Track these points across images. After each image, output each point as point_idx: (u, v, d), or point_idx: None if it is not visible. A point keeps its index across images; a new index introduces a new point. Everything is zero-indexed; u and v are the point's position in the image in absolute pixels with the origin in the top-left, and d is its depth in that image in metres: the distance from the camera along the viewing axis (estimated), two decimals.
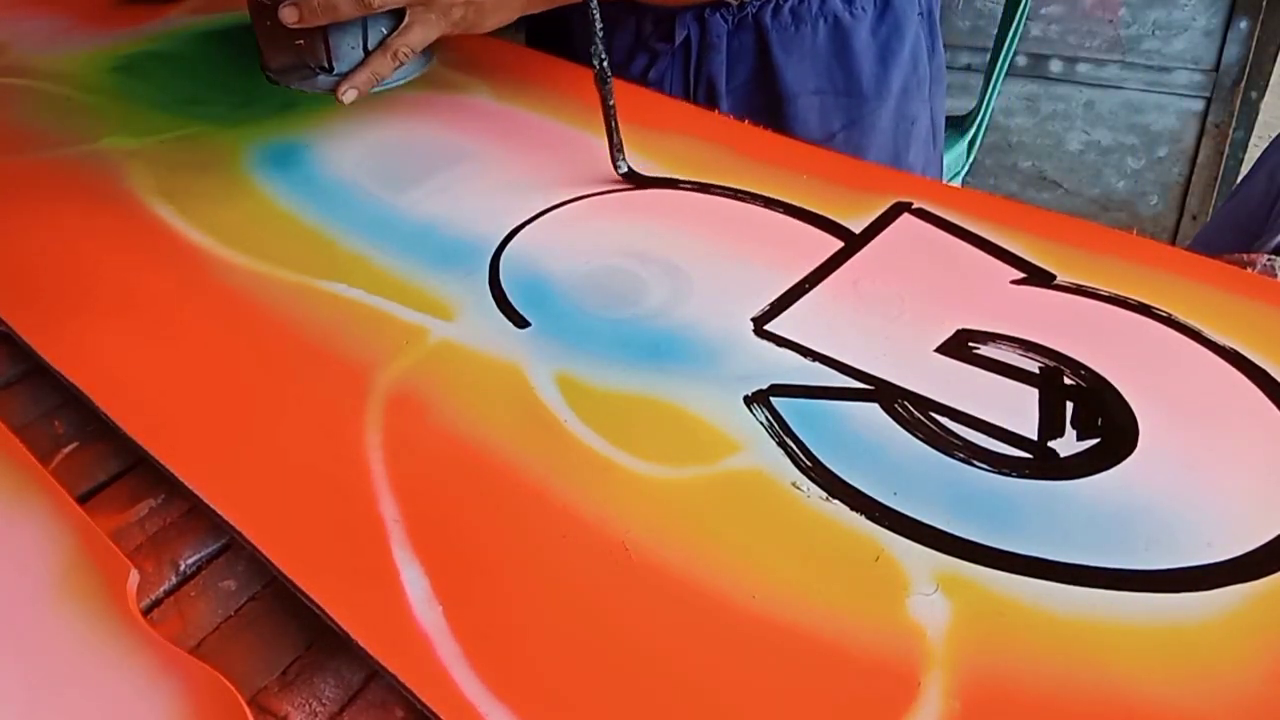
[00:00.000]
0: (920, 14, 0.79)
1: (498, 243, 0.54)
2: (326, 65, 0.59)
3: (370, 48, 0.59)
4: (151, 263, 0.54)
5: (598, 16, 0.53)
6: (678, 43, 0.75)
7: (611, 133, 0.56)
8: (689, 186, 0.58)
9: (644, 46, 0.76)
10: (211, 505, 0.39)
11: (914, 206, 0.55)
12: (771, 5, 0.73)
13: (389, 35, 0.59)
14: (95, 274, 0.53)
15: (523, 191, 0.58)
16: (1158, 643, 0.32)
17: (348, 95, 0.59)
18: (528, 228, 0.56)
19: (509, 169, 0.61)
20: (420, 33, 0.60)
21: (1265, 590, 0.34)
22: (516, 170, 0.61)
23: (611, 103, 0.56)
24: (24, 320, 0.50)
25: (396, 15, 0.59)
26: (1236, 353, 0.44)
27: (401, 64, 0.60)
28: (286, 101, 0.71)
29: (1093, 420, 0.41)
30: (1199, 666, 0.32)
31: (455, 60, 0.77)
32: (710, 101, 0.77)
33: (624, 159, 0.57)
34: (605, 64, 0.54)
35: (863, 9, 0.75)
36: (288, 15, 0.56)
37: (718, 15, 0.73)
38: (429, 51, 0.64)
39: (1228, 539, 0.36)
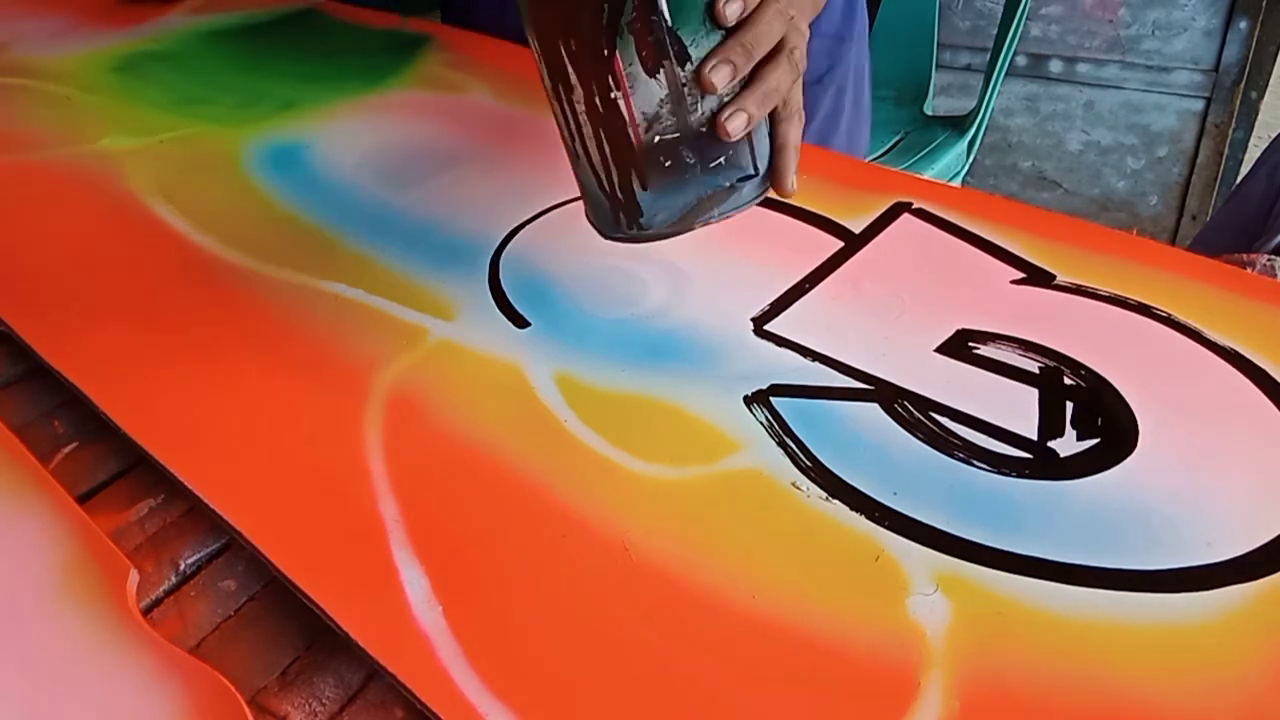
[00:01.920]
0: None
1: (498, 243, 0.54)
2: (753, 169, 0.44)
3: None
4: (151, 263, 0.54)
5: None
6: None
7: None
8: None
9: None
10: (211, 505, 0.39)
11: (914, 206, 0.55)
12: None
13: (778, 109, 0.45)
14: (95, 274, 0.53)
15: (523, 191, 0.58)
16: (1158, 643, 0.32)
17: (794, 183, 0.46)
18: (528, 228, 0.56)
19: (509, 169, 0.61)
20: (799, 88, 0.47)
21: (1265, 590, 0.34)
22: (516, 170, 0.61)
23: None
24: (24, 320, 0.50)
25: None
26: (1236, 353, 0.44)
27: (803, 119, 0.47)
28: (286, 101, 0.71)
29: (1093, 420, 0.41)
30: (1199, 666, 0.32)
31: (455, 60, 0.77)
32: None
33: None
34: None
35: None
36: (736, 124, 0.42)
37: None
38: None
39: (1228, 539, 0.36)
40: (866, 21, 0.85)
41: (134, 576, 0.36)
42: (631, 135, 0.43)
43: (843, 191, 0.57)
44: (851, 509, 0.37)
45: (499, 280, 0.51)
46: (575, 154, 0.46)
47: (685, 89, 0.42)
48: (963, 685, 0.31)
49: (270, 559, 0.37)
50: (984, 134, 1.50)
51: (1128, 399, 0.42)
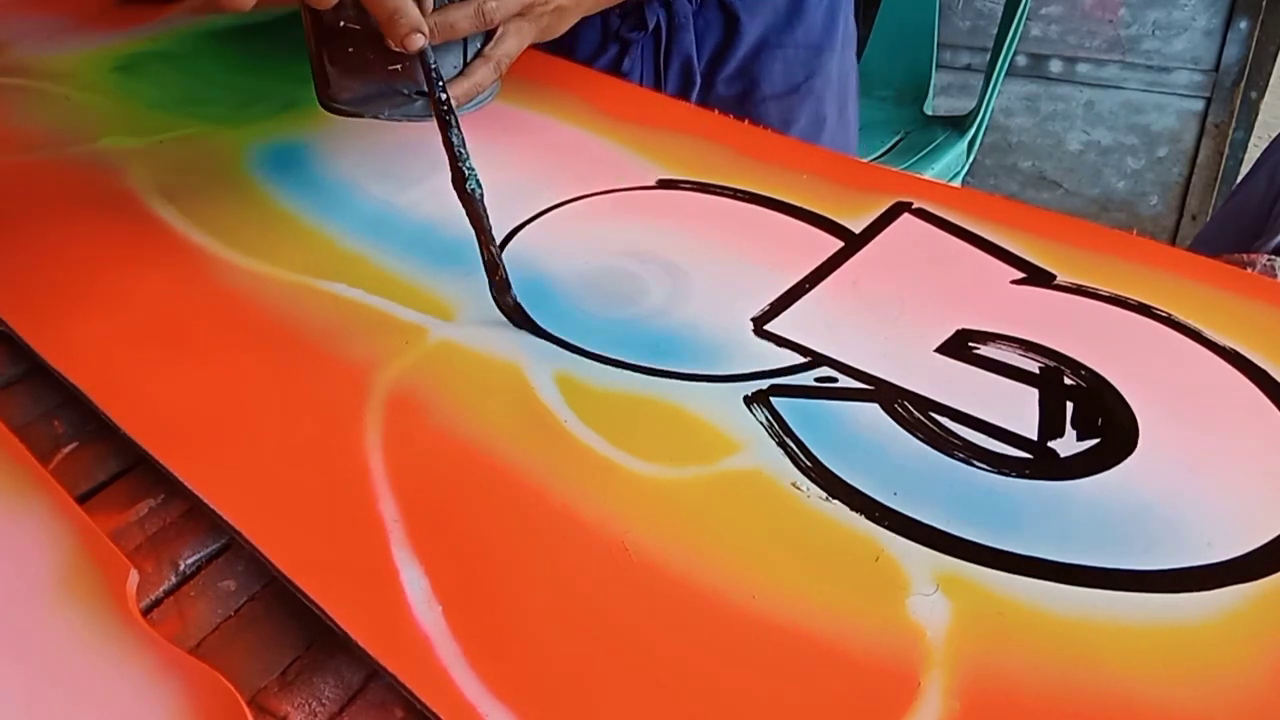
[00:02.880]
0: None
1: (498, 243, 0.54)
2: (427, 88, 0.52)
3: (468, 62, 0.57)
4: (151, 263, 0.54)
5: (453, 126, 0.48)
6: (650, 29, 0.77)
7: (487, 251, 0.48)
8: (689, 186, 0.58)
9: (614, 37, 0.78)
10: (211, 505, 0.39)
11: (914, 206, 0.55)
12: None
13: (483, 48, 0.57)
14: (95, 274, 0.53)
15: (523, 191, 0.58)
16: (1158, 643, 0.32)
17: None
18: (528, 228, 0.56)
19: (509, 169, 0.61)
20: (515, 41, 0.59)
21: (1265, 590, 0.34)
22: (516, 170, 0.61)
23: (486, 219, 0.48)
24: (24, 320, 0.50)
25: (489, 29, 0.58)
26: (1236, 353, 0.44)
27: (500, 75, 0.58)
28: (286, 101, 0.71)
29: (1093, 420, 0.41)
30: (1199, 667, 0.32)
31: None
32: (684, 80, 0.80)
33: (509, 286, 0.48)
34: (472, 175, 0.48)
35: None
36: (414, 42, 0.50)
37: None
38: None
39: (1228, 539, 0.36)
40: (853, 31, 0.87)
41: (134, 576, 0.36)
42: (318, 11, 0.52)
43: (843, 191, 0.57)
44: (851, 509, 0.37)
45: None
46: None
47: None
48: (963, 685, 0.31)
49: (270, 559, 0.37)
50: (984, 134, 1.50)
51: (1128, 399, 0.42)
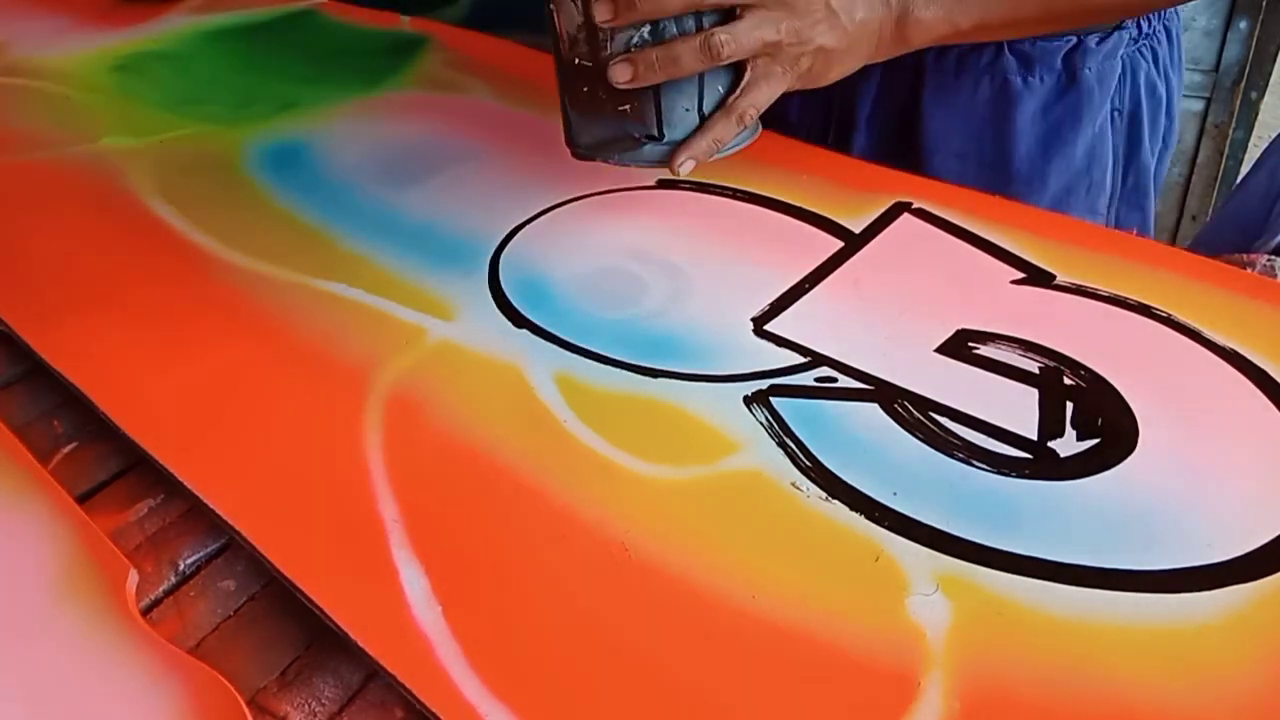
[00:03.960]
0: (1117, 111, 0.67)
1: (498, 243, 0.54)
2: (657, 133, 0.49)
3: (706, 111, 0.50)
4: (151, 263, 0.54)
5: None
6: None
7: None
8: (689, 186, 0.58)
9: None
10: (211, 505, 0.39)
11: (914, 206, 0.55)
12: (939, 46, 0.62)
13: (727, 95, 0.50)
14: (95, 274, 0.53)
15: (523, 191, 0.58)
16: (1158, 643, 0.32)
17: (685, 167, 0.50)
18: (528, 228, 0.56)
19: (509, 169, 0.61)
20: (766, 90, 0.50)
21: (1265, 591, 0.34)
22: (516, 170, 0.61)
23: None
24: (24, 320, 0.50)
25: (734, 73, 0.50)
26: (1236, 353, 0.44)
27: (745, 127, 0.51)
28: (286, 101, 0.71)
29: (1093, 420, 0.41)
30: (1199, 667, 0.32)
31: (455, 60, 0.77)
32: (845, 129, 0.70)
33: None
34: None
35: (1040, 79, 0.64)
36: (620, 73, 0.47)
37: None
38: (757, 118, 0.53)
39: (1228, 539, 0.36)
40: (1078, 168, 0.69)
41: (133, 576, 0.36)
42: (560, 50, 0.49)
43: (843, 191, 0.57)
44: (851, 509, 0.37)
45: (499, 280, 0.51)
46: None
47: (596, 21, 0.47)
48: (963, 685, 0.31)
49: (270, 559, 0.37)
50: None
51: (1128, 399, 0.42)
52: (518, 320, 0.48)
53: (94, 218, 0.58)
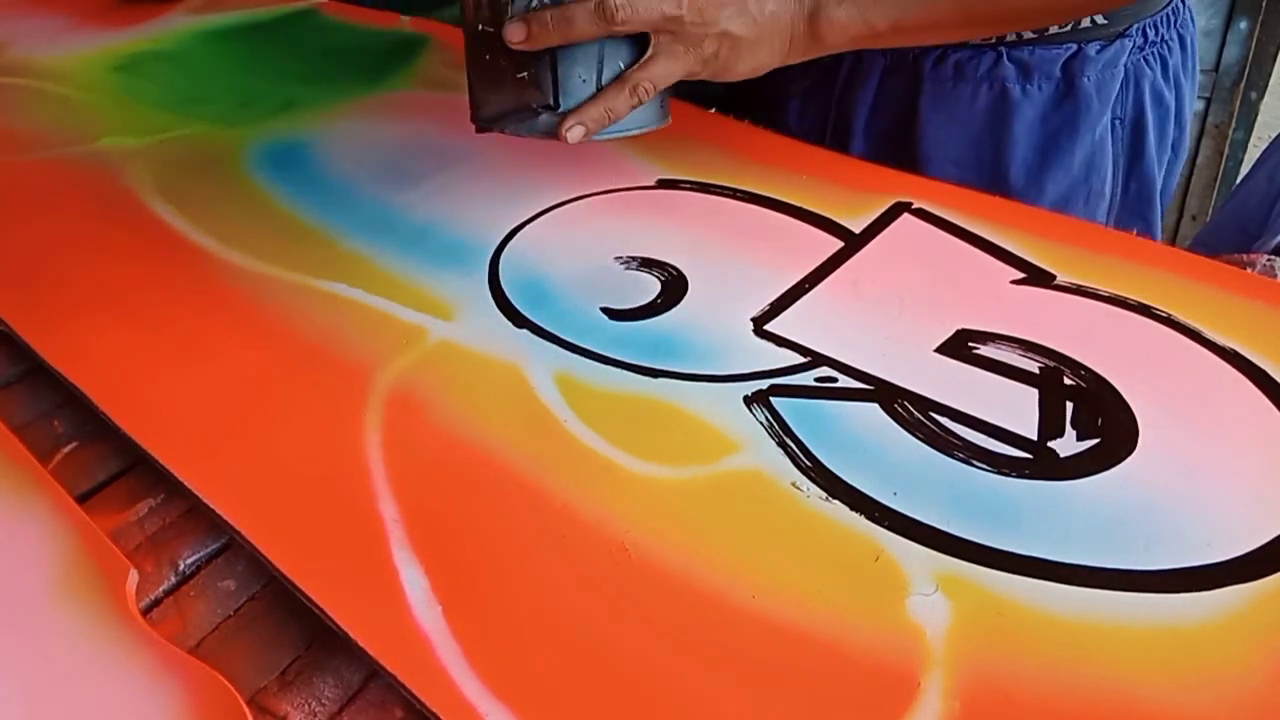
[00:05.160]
0: (1119, 119, 0.66)
1: (498, 243, 0.54)
2: (552, 101, 0.49)
3: (604, 83, 0.50)
4: (151, 262, 0.54)
5: None
6: (824, 63, 0.65)
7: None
8: (689, 186, 0.58)
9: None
10: (211, 505, 0.39)
11: (914, 206, 0.55)
12: (937, 54, 0.64)
13: (627, 68, 0.50)
14: (95, 274, 0.53)
15: (523, 191, 0.58)
16: (1157, 643, 0.32)
17: (573, 132, 0.50)
18: (528, 228, 0.56)
19: (509, 169, 0.61)
20: (665, 66, 0.50)
21: (1265, 591, 0.34)
22: (516, 170, 0.61)
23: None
24: (24, 320, 0.50)
25: (638, 47, 0.50)
26: (1236, 353, 0.44)
27: (640, 102, 0.50)
28: (286, 101, 0.71)
29: (1093, 420, 0.41)
30: (1199, 667, 0.32)
31: (455, 60, 0.77)
32: (842, 136, 0.70)
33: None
34: None
35: (1038, 87, 0.63)
36: (515, 33, 0.47)
37: (878, 49, 0.65)
38: (664, 104, 0.54)
39: (1228, 539, 0.36)
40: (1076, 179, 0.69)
41: (133, 576, 0.36)
42: (466, 18, 0.49)
43: (843, 191, 0.57)
44: (851, 509, 0.37)
45: (499, 280, 0.51)
46: None
47: None
48: (963, 685, 0.31)
49: (270, 559, 0.37)
50: None
51: (1128, 399, 0.42)
52: (518, 320, 0.48)
53: (94, 218, 0.58)
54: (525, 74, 0.49)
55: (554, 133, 0.50)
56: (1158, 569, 0.35)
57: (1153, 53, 0.65)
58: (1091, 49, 0.63)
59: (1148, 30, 0.64)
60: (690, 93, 0.61)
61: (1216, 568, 0.35)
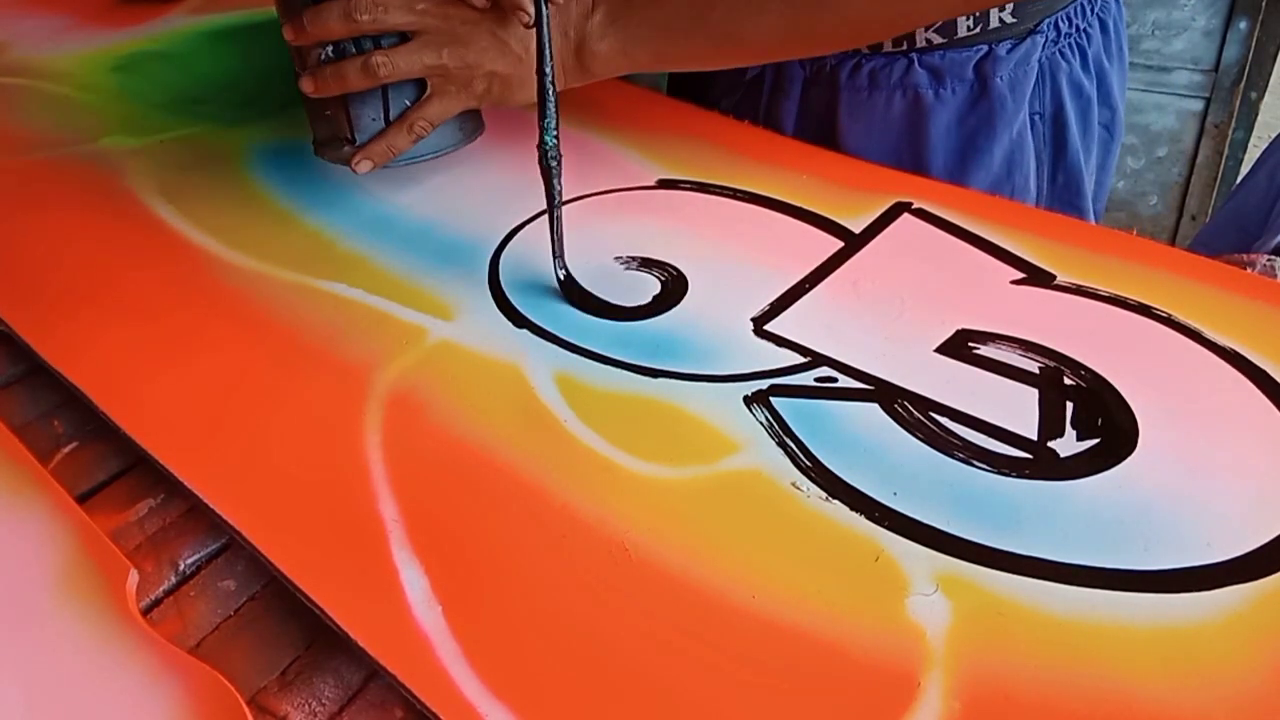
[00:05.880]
0: (1038, 114, 0.67)
1: (498, 243, 0.54)
2: (350, 137, 0.55)
3: (392, 119, 0.55)
4: (151, 263, 0.54)
5: (551, 99, 0.48)
6: (748, 77, 0.70)
7: (554, 232, 0.50)
8: (689, 186, 0.58)
9: (723, 74, 0.71)
10: (211, 505, 0.39)
11: (914, 206, 0.55)
12: (852, 63, 0.65)
13: (411, 105, 0.55)
14: (95, 274, 0.53)
15: (523, 191, 0.58)
16: (1157, 643, 0.32)
17: (361, 166, 0.55)
18: (528, 227, 0.56)
19: (509, 169, 0.61)
20: (439, 106, 0.55)
21: (1265, 590, 0.34)
22: (517, 170, 0.61)
23: (558, 198, 0.49)
24: (24, 320, 0.50)
25: (420, 86, 0.55)
26: (1236, 353, 0.44)
27: (420, 137, 0.56)
28: (286, 101, 0.71)
29: (1093, 420, 0.41)
30: (1198, 667, 0.32)
31: None
32: None
33: (563, 263, 0.51)
34: (554, 154, 0.48)
35: (951, 90, 0.64)
36: (305, 86, 0.54)
37: (796, 62, 0.67)
38: (471, 126, 0.59)
39: (1228, 539, 0.36)
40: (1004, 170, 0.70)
41: (134, 576, 0.36)
42: (293, 56, 0.56)
43: (843, 191, 0.57)
44: (851, 509, 0.37)
45: (499, 280, 0.51)
46: None
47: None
48: (963, 685, 0.31)
49: (270, 559, 0.37)
50: None
51: (1128, 399, 0.42)
52: (518, 320, 0.48)
53: (94, 218, 0.58)
54: (329, 112, 0.56)
55: (347, 162, 0.56)
56: (1158, 569, 0.35)
57: (1068, 44, 0.66)
58: (1002, 49, 0.63)
59: (1060, 24, 0.65)
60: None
61: (1216, 568, 0.35)
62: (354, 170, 0.55)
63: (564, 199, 0.50)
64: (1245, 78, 1.69)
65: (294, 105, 0.70)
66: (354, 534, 0.37)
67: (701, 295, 0.50)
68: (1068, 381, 0.43)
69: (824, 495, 0.38)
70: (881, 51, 0.64)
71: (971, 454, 0.40)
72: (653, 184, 0.59)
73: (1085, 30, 0.66)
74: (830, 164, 0.60)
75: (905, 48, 0.64)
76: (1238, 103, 1.71)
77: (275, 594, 0.37)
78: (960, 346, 0.45)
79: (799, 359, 0.45)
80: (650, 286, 0.50)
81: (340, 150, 0.56)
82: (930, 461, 0.39)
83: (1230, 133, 1.74)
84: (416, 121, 0.55)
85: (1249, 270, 0.55)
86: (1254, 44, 1.66)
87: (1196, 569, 0.35)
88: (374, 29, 0.52)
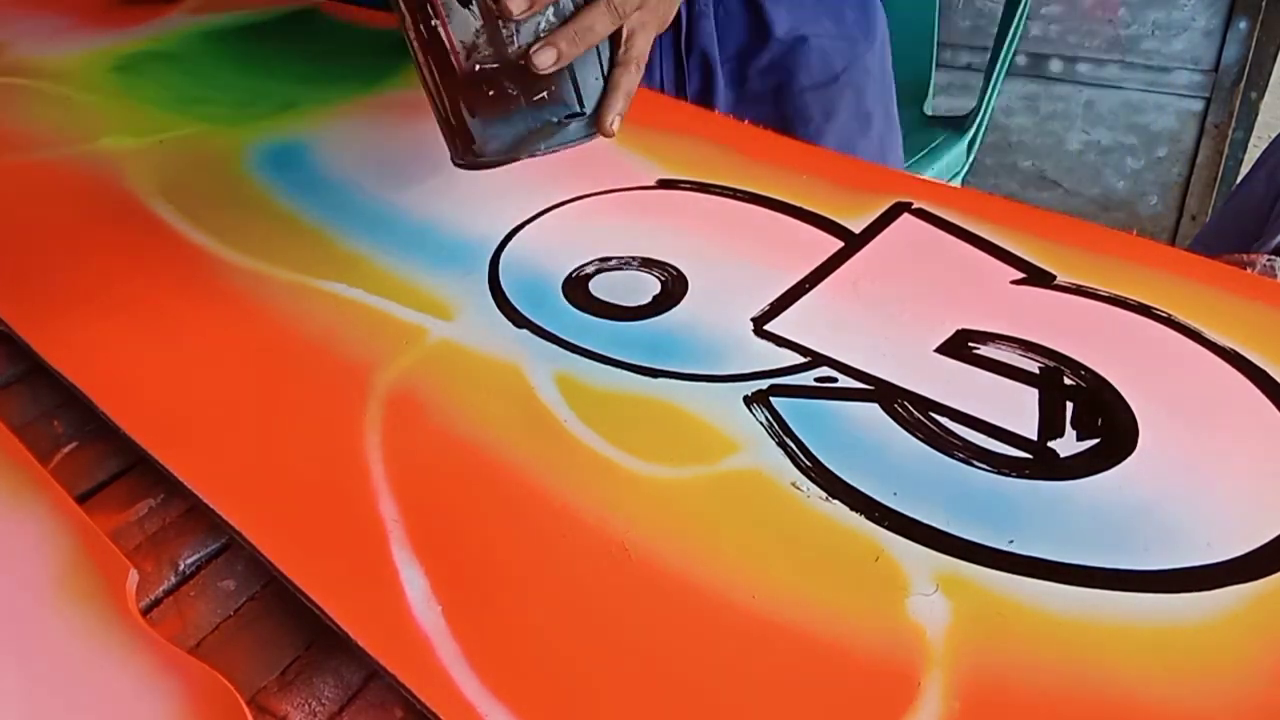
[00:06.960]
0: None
1: (498, 243, 0.54)
2: (579, 107, 0.50)
3: (606, 72, 0.52)
4: (151, 263, 0.54)
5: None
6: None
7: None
8: (689, 186, 0.58)
9: None
10: (211, 505, 0.39)
11: (914, 206, 0.55)
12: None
13: (613, 54, 0.52)
14: (95, 274, 0.53)
15: (523, 191, 0.58)
16: (1158, 643, 0.32)
17: (615, 124, 0.52)
18: (528, 228, 0.56)
19: (508, 168, 0.61)
20: (644, 38, 0.54)
21: (1265, 590, 0.34)
22: (516, 170, 0.61)
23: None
24: (24, 320, 0.50)
25: (614, 34, 0.53)
26: (1236, 353, 0.44)
27: (641, 75, 0.53)
28: (286, 101, 0.71)
29: (1093, 420, 0.41)
30: (1199, 667, 0.32)
31: None
32: (706, 73, 0.77)
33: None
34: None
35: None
36: (545, 58, 0.48)
37: None
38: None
39: (1227, 539, 0.36)
40: (886, 32, 0.83)
41: (133, 576, 0.36)
42: (454, 62, 0.48)
43: (843, 191, 0.57)
44: (851, 509, 0.37)
45: (499, 280, 0.51)
46: (421, 81, 0.52)
47: (500, 21, 0.47)
48: (963, 685, 0.31)
49: (270, 559, 0.37)
50: (984, 134, 1.50)
51: (1128, 399, 0.42)
52: (518, 320, 0.48)
53: (94, 218, 0.58)
54: (545, 94, 0.49)
55: (587, 135, 0.52)
56: (1158, 569, 0.35)
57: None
58: None
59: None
60: None
61: (1216, 568, 0.35)
62: (608, 133, 0.51)
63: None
64: (1245, 78, 1.69)
65: (294, 105, 0.70)
66: (354, 534, 0.37)
67: (701, 295, 0.50)
68: (1068, 381, 0.43)
69: (824, 495, 0.38)
70: None
71: (971, 454, 0.40)
72: (653, 184, 0.59)
73: None
74: (830, 164, 0.60)
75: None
76: (1238, 103, 1.71)
77: (275, 594, 0.37)
78: (960, 346, 0.45)
79: (799, 359, 0.45)
80: (650, 286, 0.50)
81: (563, 130, 0.51)
82: (930, 461, 0.39)
83: (1230, 133, 1.74)
84: (639, 59, 0.53)
85: (1249, 270, 0.55)
86: (1254, 44, 1.66)
87: (1196, 569, 0.35)
88: None
